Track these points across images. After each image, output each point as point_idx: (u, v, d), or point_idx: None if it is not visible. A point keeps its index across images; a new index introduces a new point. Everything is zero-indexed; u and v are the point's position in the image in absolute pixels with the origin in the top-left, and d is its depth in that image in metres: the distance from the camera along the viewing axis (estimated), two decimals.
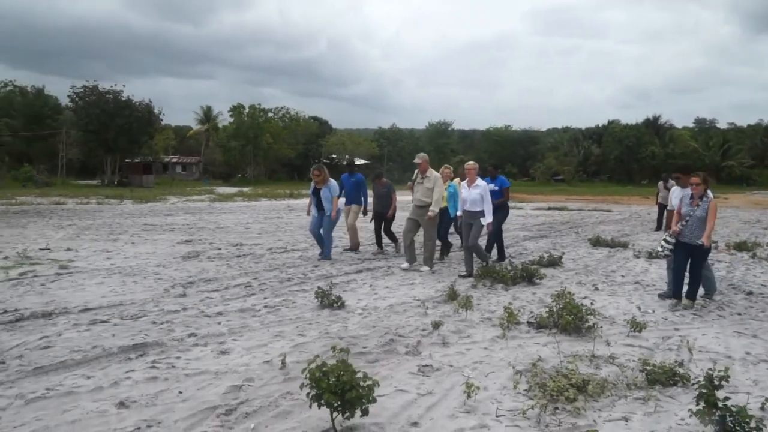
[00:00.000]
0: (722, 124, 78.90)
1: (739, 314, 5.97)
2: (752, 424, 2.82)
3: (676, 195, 6.76)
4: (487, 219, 7.75)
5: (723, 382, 3.13)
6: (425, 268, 8.08)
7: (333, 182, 8.99)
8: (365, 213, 9.97)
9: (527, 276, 7.30)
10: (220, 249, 9.92)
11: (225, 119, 60.42)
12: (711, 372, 3.18)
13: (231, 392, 3.56)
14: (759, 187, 54.12)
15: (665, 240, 6.27)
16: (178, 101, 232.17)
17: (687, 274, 6.17)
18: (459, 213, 8.11)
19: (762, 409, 3.39)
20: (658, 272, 8.22)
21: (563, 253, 9.53)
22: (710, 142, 64.59)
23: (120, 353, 4.24)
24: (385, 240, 9.92)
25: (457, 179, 8.91)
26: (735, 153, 62.53)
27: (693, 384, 3.61)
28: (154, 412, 3.25)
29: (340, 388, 2.92)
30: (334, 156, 57.57)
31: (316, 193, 9.00)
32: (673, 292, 6.22)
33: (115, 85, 41.26)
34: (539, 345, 4.65)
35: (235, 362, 4.11)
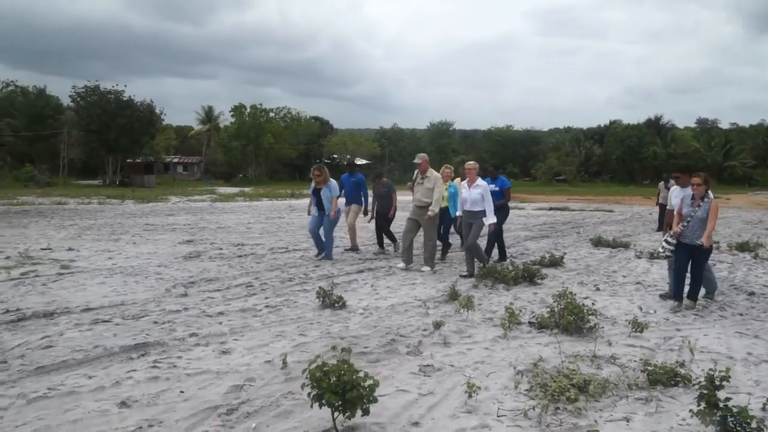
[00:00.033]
0: (724, 125, 78.96)
1: (741, 315, 5.96)
2: (753, 425, 2.82)
3: (675, 194, 6.73)
4: (490, 219, 7.74)
5: (724, 383, 3.12)
6: (426, 269, 8.08)
7: (333, 182, 9.01)
8: (366, 213, 9.97)
9: (529, 276, 7.30)
10: (221, 249, 9.92)
11: (226, 119, 60.55)
12: (712, 372, 3.17)
13: (232, 392, 3.56)
14: (761, 188, 54.02)
15: (666, 241, 6.26)
16: (179, 101, 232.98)
17: (688, 275, 6.16)
18: (459, 213, 8.09)
19: (763, 409, 3.38)
20: (660, 273, 8.21)
21: (565, 254, 9.52)
22: (712, 143, 64.50)
23: (121, 353, 4.25)
24: (386, 240, 9.92)
25: (458, 179, 8.91)
26: (737, 153, 62.44)
27: (694, 384, 3.60)
28: (155, 412, 3.25)
29: (341, 388, 2.92)
30: (335, 156, 57.57)
31: (316, 193, 9.01)
32: (674, 293, 6.21)
33: (117, 85, 41.29)
34: (540, 345, 4.65)
35: (237, 362, 4.11)
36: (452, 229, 9.79)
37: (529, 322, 5.30)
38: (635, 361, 4.28)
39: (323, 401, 2.93)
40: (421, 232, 8.34)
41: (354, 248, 9.86)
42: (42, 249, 9.32)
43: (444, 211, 8.75)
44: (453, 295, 6.14)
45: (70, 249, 9.42)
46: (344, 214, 9.83)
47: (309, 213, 9.26)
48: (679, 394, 3.68)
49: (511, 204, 10.21)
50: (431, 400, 3.52)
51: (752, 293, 7.01)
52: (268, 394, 3.53)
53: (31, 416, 3.17)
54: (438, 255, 8.89)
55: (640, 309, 6.05)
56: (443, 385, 3.75)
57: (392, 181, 10.26)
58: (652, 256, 9.57)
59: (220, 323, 5.13)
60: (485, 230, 7.79)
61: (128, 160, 43.07)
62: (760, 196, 39.55)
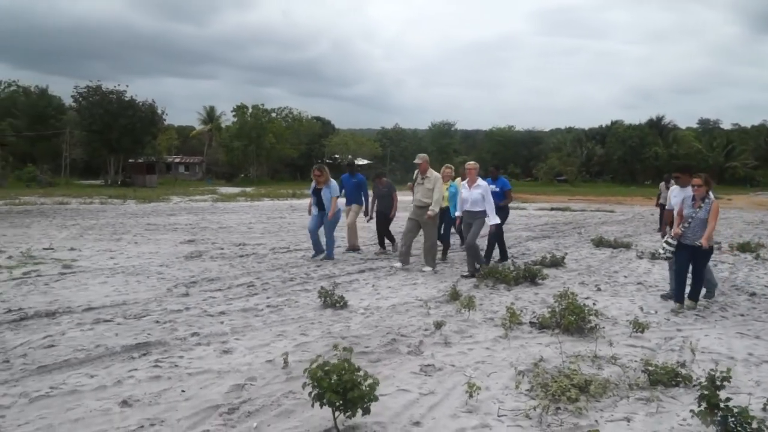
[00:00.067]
0: (726, 125, 78.67)
1: (742, 315, 5.96)
2: (754, 425, 2.82)
3: (675, 194, 6.69)
4: (494, 220, 7.73)
5: (725, 383, 3.12)
6: (427, 269, 8.08)
7: (333, 182, 9.02)
8: (366, 213, 9.98)
9: (530, 276, 7.30)
10: (222, 249, 9.94)
11: (228, 119, 60.59)
12: (713, 373, 3.17)
13: (233, 391, 3.57)
14: (763, 188, 53.92)
15: (667, 242, 6.25)
16: (181, 101, 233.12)
17: (689, 275, 6.15)
18: (458, 213, 8.07)
19: (764, 410, 3.38)
20: (661, 273, 8.20)
21: (566, 254, 9.52)
22: (714, 143, 64.40)
23: (123, 352, 4.26)
24: (387, 240, 9.93)
25: (458, 179, 8.91)
26: (739, 154, 62.34)
27: (695, 385, 3.60)
28: (157, 411, 3.26)
29: (341, 388, 2.93)
30: (336, 156, 57.59)
31: (316, 193, 9.02)
32: (675, 294, 6.20)
33: (119, 85, 41.32)
34: (541, 345, 4.65)
35: (238, 361, 4.12)
36: (452, 229, 9.80)
37: (530, 322, 5.30)
38: (636, 361, 4.28)
39: (324, 401, 2.93)
40: (421, 233, 8.35)
41: (354, 248, 9.86)
42: (44, 249, 9.34)
43: (444, 211, 8.75)
44: (454, 295, 6.14)
45: (72, 249, 9.45)
46: (344, 214, 9.83)
47: (309, 213, 9.28)
48: (679, 394, 3.68)
49: (512, 204, 10.20)
50: (432, 399, 3.52)
51: (753, 294, 7.01)
52: (269, 394, 3.54)
53: (33, 415, 3.18)
54: (438, 255, 8.89)
55: (641, 309, 6.05)
56: (444, 385, 3.76)
57: (394, 182, 10.27)
58: (654, 256, 9.56)
59: (222, 323, 5.14)
60: (485, 230, 7.78)
61: (130, 160, 43.17)
62: (761, 197, 39.48)
